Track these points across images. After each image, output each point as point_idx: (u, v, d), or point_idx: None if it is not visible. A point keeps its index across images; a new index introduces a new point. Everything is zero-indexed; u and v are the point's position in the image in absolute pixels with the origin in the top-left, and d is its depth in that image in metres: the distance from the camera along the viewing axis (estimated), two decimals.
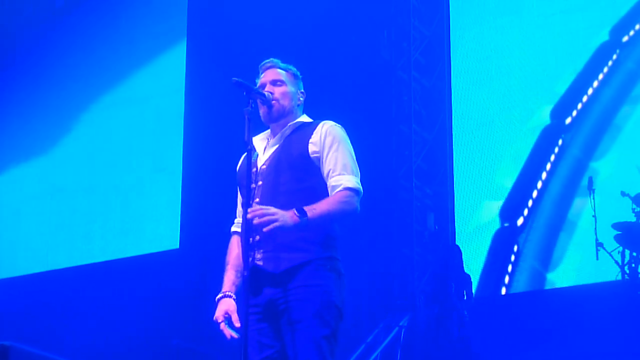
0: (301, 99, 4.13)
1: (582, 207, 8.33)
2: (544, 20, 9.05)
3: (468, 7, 9.59)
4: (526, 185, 8.82)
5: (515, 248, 8.75)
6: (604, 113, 8.53)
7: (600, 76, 8.65)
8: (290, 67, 4.14)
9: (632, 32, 8.59)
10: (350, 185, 3.86)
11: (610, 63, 8.63)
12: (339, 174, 3.88)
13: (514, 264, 8.71)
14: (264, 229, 3.69)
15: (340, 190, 3.86)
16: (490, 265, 8.80)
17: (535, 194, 8.75)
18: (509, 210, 8.87)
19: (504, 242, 8.81)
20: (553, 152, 8.75)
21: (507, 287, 8.67)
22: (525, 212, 8.79)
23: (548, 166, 8.74)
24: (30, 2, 11.47)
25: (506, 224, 8.86)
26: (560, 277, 8.35)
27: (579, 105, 8.70)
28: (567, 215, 8.45)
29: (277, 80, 4.05)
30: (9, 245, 11.40)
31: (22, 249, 11.24)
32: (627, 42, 8.57)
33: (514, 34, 9.21)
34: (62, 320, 10.12)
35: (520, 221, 8.79)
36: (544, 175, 8.74)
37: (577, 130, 8.65)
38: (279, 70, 4.09)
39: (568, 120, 8.74)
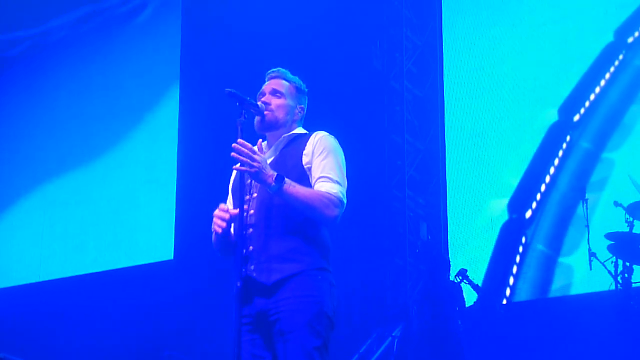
0: (299, 114, 4.12)
1: (594, 202, 8.37)
2: (536, 30, 9.07)
3: (460, 17, 9.60)
4: (534, 180, 8.84)
5: (524, 239, 8.78)
6: (613, 111, 8.59)
7: (607, 75, 8.70)
8: (297, 80, 4.14)
9: (637, 34, 8.63)
10: (333, 192, 3.85)
11: (616, 63, 8.67)
12: (324, 181, 3.87)
13: (522, 255, 8.75)
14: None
15: (324, 192, 3.85)
16: (497, 260, 8.84)
17: (543, 187, 8.80)
18: (517, 204, 8.90)
19: (512, 234, 8.84)
20: (561, 147, 8.79)
21: (515, 277, 8.70)
22: (534, 205, 8.82)
23: (556, 161, 8.78)
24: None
25: (514, 216, 8.90)
26: (575, 261, 8.39)
27: (587, 103, 8.76)
28: (577, 210, 8.50)
29: (277, 91, 4.05)
30: (2, 256, 11.39)
31: (15, 260, 11.23)
32: (632, 43, 8.63)
33: (507, 44, 9.23)
34: (55, 331, 10.10)
35: (528, 214, 8.83)
36: (552, 170, 8.78)
37: (586, 126, 8.70)
38: (283, 81, 4.10)
39: (576, 118, 8.78)
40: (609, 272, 7.54)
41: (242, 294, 3.70)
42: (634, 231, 7.47)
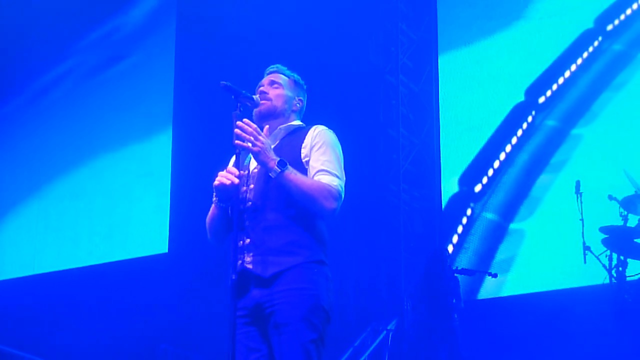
0: (298, 105, 4.14)
1: (548, 184, 8.54)
2: (532, 24, 9.08)
3: (456, 11, 9.60)
4: (488, 155, 9.01)
5: (469, 212, 8.99)
6: (582, 95, 8.66)
7: (579, 60, 8.76)
8: (295, 75, 4.19)
9: (617, 22, 8.67)
10: (333, 184, 3.86)
11: (591, 49, 8.73)
12: (323, 174, 3.87)
13: (466, 226, 8.96)
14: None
15: (324, 183, 3.85)
16: (442, 225, 9.06)
17: (497, 164, 8.92)
18: (468, 177, 9.09)
19: (458, 204, 9.07)
20: (521, 127, 8.88)
21: (455, 246, 8.91)
22: (485, 180, 9.00)
23: (514, 140, 8.87)
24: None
25: (464, 188, 9.09)
26: (531, 227, 8.48)
27: (554, 86, 8.83)
28: (531, 192, 8.60)
29: (274, 82, 4.11)
30: None
31: (9, 253, 11.21)
32: (611, 30, 8.67)
33: (502, 37, 9.23)
34: (49, 324, 10.09)
35: (478, 188, 9.00)
36: (508, 147, 8.88)
37: (553, 108, 8.78)
38: (282, 75, 4.15)
39: (541, 100, 8.86)
40: (603, 265, 7.55)
41: (237, 287, 3.70)
42: (628, 225, 7.48)
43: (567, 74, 8.80)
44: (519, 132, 8.91)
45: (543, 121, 8.81)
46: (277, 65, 4.20)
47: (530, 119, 8.89)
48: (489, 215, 8.86)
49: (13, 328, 10.16)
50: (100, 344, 9.62)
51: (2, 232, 11.40)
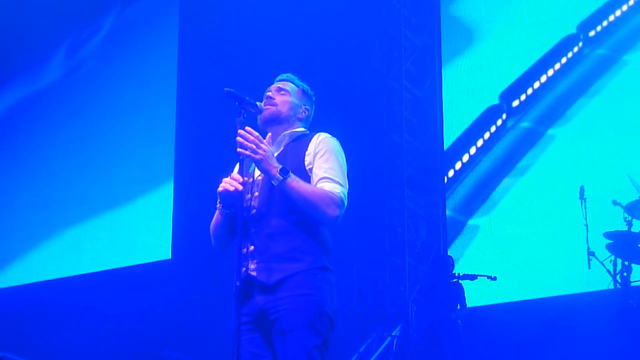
0: (304, 114, 4.14)
1: (508, 188, 8.63)
2: (535, 29, 9.07)
3: (459, 16, 9.61)
4: (451, 156, 9.10)
5: None
6: (556, 100, 8.69)
7: (557, 65, 8.77)
8: (305, 85, 4.19)
9: (599, 28, 8.68)
10: (336, 192, 3.85)
11: (570, 54, 8.74)
12: (326, 181, 3.86)
13: None
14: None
15: (327, 191, 3.85)
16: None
17: (459, 165, 8.99)
18: None
19: None
20: (489, 129, 8.90)
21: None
22: (444, 180, 9.10)
23: (480, 142, 8.90)
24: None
25: None
26: (482, 222, 8.54)
27: (529, 90, 8.85)
28: (491, 195, 8.70)
29: (282, 89, 4.11)
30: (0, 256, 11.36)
31: (13, 260, 11.20)
32: (593, 37, 8.68)
33: (505, 43, 9.23)
34: (53, 331, 10.08)
35: None
36: (472, 149, 8.93)
37: (526, 112, 8.82)
38: (290, 83, 4.15)
39: (515, 103, 8.87)
40: (608, 271, 7.54)
41: (241, 294, 3.69)
42: (632, 230, 7.47)
43: (543, 78, 8.83)
44: (486, 135, 8.94)
45: (517, 124, 8.84)
46: (288, 74, 4.20)
47: (499, 122, 8.91)
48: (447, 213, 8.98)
49: (17, 335, 10.16)
50: (104, 350, 9.62)
51: (6, 239, 11.40)
